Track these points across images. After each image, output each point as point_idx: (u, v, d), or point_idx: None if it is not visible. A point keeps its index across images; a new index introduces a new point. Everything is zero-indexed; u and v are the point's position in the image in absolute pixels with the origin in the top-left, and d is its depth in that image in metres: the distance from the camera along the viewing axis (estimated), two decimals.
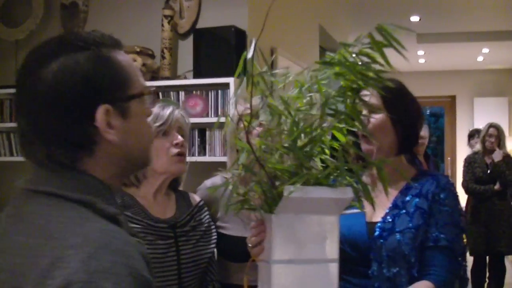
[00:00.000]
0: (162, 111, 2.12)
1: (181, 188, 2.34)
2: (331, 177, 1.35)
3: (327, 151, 1.37)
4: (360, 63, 1.18)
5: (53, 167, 1.11)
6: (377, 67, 1.22)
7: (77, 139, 1.11)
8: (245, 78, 1.26)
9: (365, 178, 1.99)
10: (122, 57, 1.17)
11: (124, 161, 1.17)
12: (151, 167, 2.07)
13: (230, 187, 1.38)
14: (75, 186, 1.09)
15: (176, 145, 2.11)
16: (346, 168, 1.33)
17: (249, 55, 1.17)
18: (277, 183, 1.34)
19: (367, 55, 1.15)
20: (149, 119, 2.04)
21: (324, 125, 1.27)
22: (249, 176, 1.37)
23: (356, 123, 1.26)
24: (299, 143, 1.29)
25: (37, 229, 1.02)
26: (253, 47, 1.15)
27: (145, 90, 1.20)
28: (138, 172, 2.07)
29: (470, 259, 6.53)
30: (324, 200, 1.34)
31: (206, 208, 2.25)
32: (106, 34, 1.18)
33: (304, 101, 1.28)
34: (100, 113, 1.10)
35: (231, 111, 3.26)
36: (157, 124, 2.08)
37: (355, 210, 1.48)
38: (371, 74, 1.16)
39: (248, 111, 1.33)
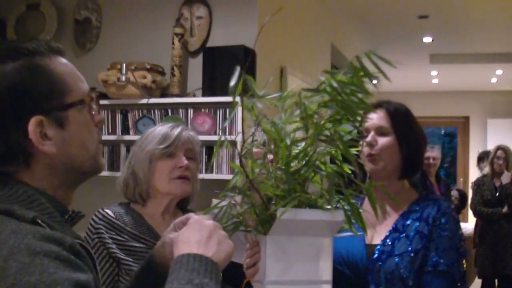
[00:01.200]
0: (170, 132, 2.09)
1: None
2: (322, 199, 1.36)
3: (322, 174, 1.38)
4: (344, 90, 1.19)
5: None
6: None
7: (9, 153, 1.07)
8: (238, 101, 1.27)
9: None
10: (58, 65, 1.13)
11: (69, 170, 1.14)
12: (155, 187, 2.08)
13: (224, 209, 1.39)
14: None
15: (180, 168, 2.08)
16: (338, 191, 1.34)
17: (232, 83, 1.18)
18: (272, 204, 1.36)
19: (353, 83, 1.16)
20: (153, 138, 2.06)
21: (318, 149, 1.28)
22: (245, 198, 1.39)
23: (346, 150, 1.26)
24: (293, 167, 1.31)
25: None
26: (237, 75, 1.16)
27: (86, 97, 1.16)
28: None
29: (478, 282, 6.47)
30: (316, 222, 1.35)
31: None
32: (45, 41, 1.14)
33: (296, 125, 1.29)
34: (32, 125, 1.06)
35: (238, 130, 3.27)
36: (162, 146, 2.06)
37: (351, 233, 1.48)
38: (354, 100, 1.16)
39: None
